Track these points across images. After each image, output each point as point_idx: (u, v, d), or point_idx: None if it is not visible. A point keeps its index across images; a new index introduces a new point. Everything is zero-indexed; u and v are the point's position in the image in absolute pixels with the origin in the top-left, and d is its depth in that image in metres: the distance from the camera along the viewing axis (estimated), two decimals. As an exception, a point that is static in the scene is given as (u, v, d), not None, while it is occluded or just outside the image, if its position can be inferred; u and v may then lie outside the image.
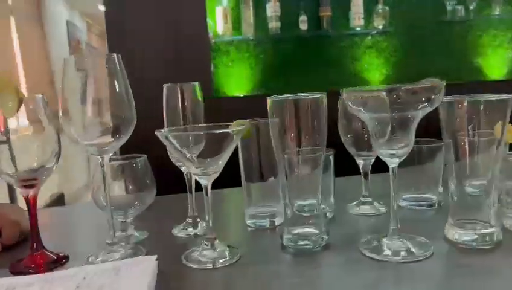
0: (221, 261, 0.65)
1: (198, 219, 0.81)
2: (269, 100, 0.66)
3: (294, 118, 0.64)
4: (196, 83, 0.77)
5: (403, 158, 0.64)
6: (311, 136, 0.65)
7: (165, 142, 0.63)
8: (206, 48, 2.17)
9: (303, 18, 2.38)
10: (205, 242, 0.67)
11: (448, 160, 0.67)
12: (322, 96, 0.66)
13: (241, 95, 2.38)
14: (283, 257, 0.67)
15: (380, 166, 0.84)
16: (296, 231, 0.69)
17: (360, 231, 0.77)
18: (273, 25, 2.35)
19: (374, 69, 2.53)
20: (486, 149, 0.63)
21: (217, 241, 0.67)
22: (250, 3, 2.33)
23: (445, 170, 0.78)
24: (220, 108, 1.62)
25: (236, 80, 2.42)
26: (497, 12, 2.55)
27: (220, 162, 0.63)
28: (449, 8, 2.49)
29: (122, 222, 0.79)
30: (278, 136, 0.66)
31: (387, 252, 0.64)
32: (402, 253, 0.63)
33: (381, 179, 0.78)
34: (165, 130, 0.69)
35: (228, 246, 0.68)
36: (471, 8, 2.52)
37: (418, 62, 2.54)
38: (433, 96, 0.60)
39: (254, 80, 2.44)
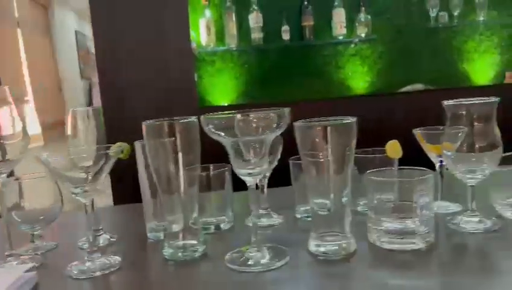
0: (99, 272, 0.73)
1: (102, 232, 0.89)
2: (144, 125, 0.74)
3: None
4: (98, 107, 0.83)
5: (260, 176, 0.73)
6: (187, 154, 0.73)
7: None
8: (190, 59, 2.24)
9: (285, 28, 2.42)
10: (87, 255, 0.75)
11: (306, 178, 0.74)
12: (194, 120, 0.74)
13: (226, 104, 2.44)
14: (162, 267, 0.77)
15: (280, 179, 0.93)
16: (176, 243, 0.78)
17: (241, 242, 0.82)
18: (256, 35, 2.40)
19: (358, 77, 2.56)
20: (337, 169, 0.69)
21: (97, 254, 0.76)
22: (233, 15, 2.39)
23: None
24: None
25: (221, 89, 2.48)
26: (481, 18, 2.55)
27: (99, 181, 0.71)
28: (432, 14, 2.51)
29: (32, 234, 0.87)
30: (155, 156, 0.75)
31: (249, 262, 0.72)
32: (261, 262, 0.71)
33: (282, 192, 0.91)
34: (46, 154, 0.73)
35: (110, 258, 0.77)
36: (455, 14, 2.53)
37: (403, 69, 2.56)
38: (281, 122, 0.66)
39: (238, 89, 2.49)
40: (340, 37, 2.47)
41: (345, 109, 1.81)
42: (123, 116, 1.99)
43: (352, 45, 2.54)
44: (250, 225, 0.77)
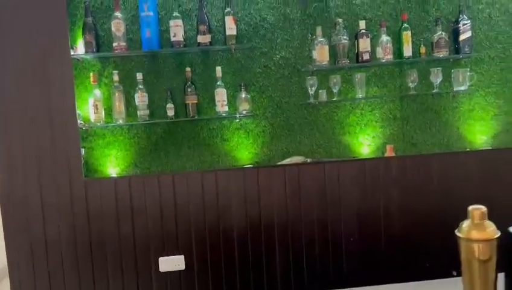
0: None
1: None
2: None
3: None
4: None
5: None
6: None
7: None
8: (76, 134, 2.42)
9: (169, 106, 2.61)
10: None
11: None
12: None
13: (115, 176, 2.63)
14: None
15: None
16: None
17: None
18: (142, 112, 2.59)
19: (244, 149, 2.74)
20: None
21: None
22: (121, 95, 2.57)
23: None
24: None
25: (112, 161, 2.67)
26: (360, 96, 2.70)
27: None
28: (311, 92, 2.66)
29: None
30: None
31: None
32: None
33: None
34: None
35: None
36: (335, 91, 2.68)
37: (285, 141, 2.74)
38: None
39: (129, 160, 2.68)
40: (224, 114, 2.65)
41: (227, 180, 2.02)
42: None
43: (237, 120, 2.71)
44: None
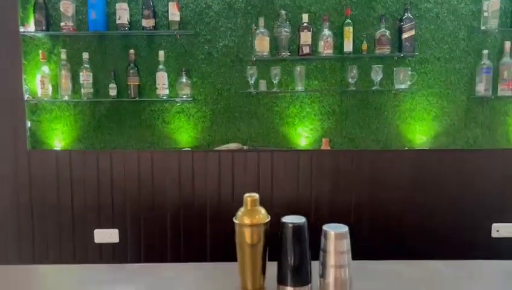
0: None
1: None
2: None
3: None
4: None
5: None
6: None
7: None
8: (22, 107, 2.57)
9: (112, 85, 2.72)
10: None
11: None
12: None
13: (59, 149, 2.78)
14: None
15: None
16: None
17: None
18: (86, 90, 2.71)
19: (184, 132, 2.83)
20: None
21: None
22: (67, 73, 2.70)
23: None
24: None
25: (58, 135, 2.82)
26: (300, 88, 2.74)
27: None
28: (251, 82, 2.72)
29: None
30: None
31: None
32: None
33: None
34: None
35: None
36: (275, 82, 2.73)
37: (224, 128, 2.81)
38: None
39: (74, 134, 2.82)
40: (164, 97, 2.74)
41: (163, 160, 2.14)
42: None
43: (178, 104, 2.80)
44: None
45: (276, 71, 2.70)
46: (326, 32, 2.66)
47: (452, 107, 2.77)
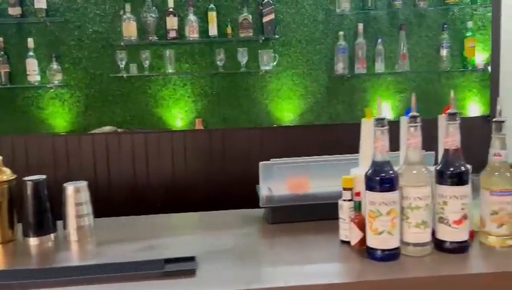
0: None
1: None
2: None
3: None
4: None
5: None
6: None
7: None
8: None
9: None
10: None
11: None
12: None
13: None
14: None
15: None
16: None
17: None
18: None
19: (59, 117, 2.89)
20: None
21: None
22: None
23: None
24: None
25: None
26: (170, 71, 2.86)
27: None
28: (122, 66, 2.81)
29: None
30: None
31: None
32: None
33: None
34: None
35: None
36: (146, 66, 2.84)
37: (99, 112, 2.90)
38: None
39: None
40: (36, 83, 2.79)
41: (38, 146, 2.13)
42: None
43: (52, 90, 2.86)
44: None
45: (145, 55, 2.80)
46: (192, 17, 2.79)
47: (315, 86, 2.97)
